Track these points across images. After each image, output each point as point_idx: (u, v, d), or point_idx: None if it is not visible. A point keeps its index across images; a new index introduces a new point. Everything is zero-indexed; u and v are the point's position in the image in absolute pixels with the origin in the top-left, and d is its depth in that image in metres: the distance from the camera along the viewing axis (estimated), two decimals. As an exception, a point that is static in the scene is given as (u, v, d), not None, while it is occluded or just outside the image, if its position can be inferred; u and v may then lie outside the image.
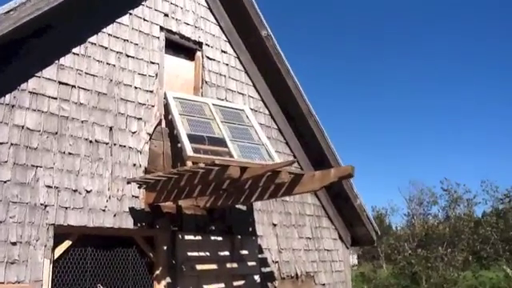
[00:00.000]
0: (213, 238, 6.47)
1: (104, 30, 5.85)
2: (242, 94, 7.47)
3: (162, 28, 6.55)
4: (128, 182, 5.56)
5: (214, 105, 6.64)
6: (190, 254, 6.10)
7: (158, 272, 5.86)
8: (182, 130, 5.84)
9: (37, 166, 4.91)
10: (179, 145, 5.84)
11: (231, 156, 5.80)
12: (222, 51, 7.33)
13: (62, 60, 5.37)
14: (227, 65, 7.36)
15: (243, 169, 4.69)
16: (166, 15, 6.65)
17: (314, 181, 5.01)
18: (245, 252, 6.81)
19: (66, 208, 5.05)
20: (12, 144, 4.78)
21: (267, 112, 7.78)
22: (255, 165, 4.98)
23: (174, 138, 6.20)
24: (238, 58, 7.52)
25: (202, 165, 4.73)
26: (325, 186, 5.05)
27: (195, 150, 5.60)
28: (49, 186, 4.95)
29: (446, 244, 20.00)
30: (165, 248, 5.93)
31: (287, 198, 7.75)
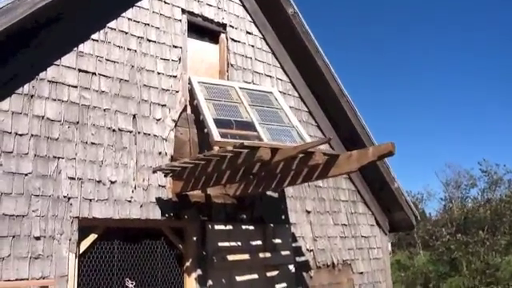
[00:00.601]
0: (244, 227, 6.20)
1: (123, 14, 5.61)
2: (270, 77, 7.14)
3: (183, 10, 6.26)
4: (154, 171, 5.33)
5: (240, 88, 6.33)
6: (220, 244, 5.85)
7: (187, 264, 5.64)
8: (208, 115, 5.57)
9: (58, 158, 4.72)
10: (206, 130, 5.57)
11: (261, 139, 5.49)
12: (247, 32, 7.00)
13: (81, 47, 5.16)
14: (253, 46, 7.03)
15: (274, 150, 4.37)
16: (188, -3, 6.36)
17: (351, 161, 4.64)
18: (278, 241, 6.52)
19: (90, 200, 4.85)
20: (32, 135, 4.60)
21: (296, 94, 7.43)
22: (287, 146, 4.65)
23: (200, 124, 5.93)
24: (264, 38, 7.18)
25: (229, 148, 4.43)
26: (363, 167, 4.67)
27: (222, 135, 5.31)
28: (72, 178, 4.76)
29: (486, 228, 19.23)
30: (194, 239, 5.70)
31: (320, 184, 7.42)
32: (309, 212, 7.16)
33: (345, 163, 4.86)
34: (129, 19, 5.63)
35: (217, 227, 5.91)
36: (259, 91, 6.56)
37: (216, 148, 5.18)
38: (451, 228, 20.70)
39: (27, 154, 4.52)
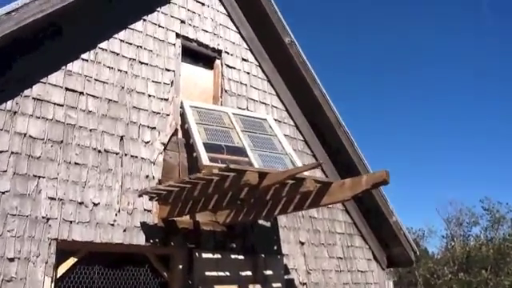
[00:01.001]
0: (233, 256, 5.96)
1: (115, 35, 5.56)
2: (265, 104, 7.04)
3: (178, 35, 6.23)
4: (139, 195, 5.16)
5: (234, 114, 6.23)
6: (208, 273, 5.60)
7: (172, 293, 5.39)
8: (199, 139, 5.43)
9: (39, 177, 4.57)
10: (195, 154, 5.42)
11: (251, 165, 5.33)
12: (243, 59, 6.95)
13: (70, 66, 5.09)
14: (248, 73, 6.96)
15: (262, 175, 4.21)
16: (183, 22, 6.34)
17: (344, 189, 4.47)
18: (269, 272, 6.26)
19: (71, 222, 4.67)
20: (13, 152, 4.46)
21: (292, 123, 7.31)
22: (275, 171, 4.49)
23: (190, 148, 5.79)
24: (260, 66, 7.13)
25: (215, 171, 4.27)
26: (358, 196, 4.49)
27: (212, 159, 5.16)
28: (52, 198, 4.59)
29: (490, 267, 18.70)
30: (180, 267, 5.46)
31: (315, 215, 7.20)
32: (303, 243, 6.92)
33: (338, 191, 4.68)
34: (121, 40, 5.58)
35: (205, 255, 5.67)
36: (253, 117, 6.44)
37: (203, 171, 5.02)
38: (453, 267, 20.17)
39: (6, 171, 4.37)
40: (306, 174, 4.79)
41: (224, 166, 4.25)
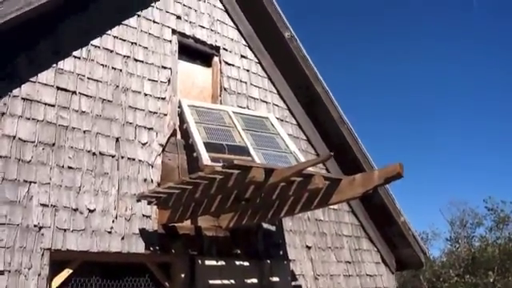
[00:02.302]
0: (238, 263, 5.64)
1: (109, 32, 5.26)
2: (266, 102, 6.75)
3: (174, 31, 5.94)
4: (138, 200, 4.85)
5: (234, 112, 5.93)
6: (211, 282, 5.29)
7: (175, 304, 5.06)
8: (198, 138, 5.13)
9: (30, 182, 4.24)
10: (195, 154, 5.12)
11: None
12: (242, 56, 6.66)
13: (61, 64, 4.78)
14: (248, 71, 6.68)
15: (269, 171, 3.90)
16: (179, 18, 6.06)
17: (355, 186, 4.18)
18: (275, 279, 5.95)
19: (65, 230, 4.34)
20: (1, 156, 4.14)
21: (294, 121, 7.02)
22: (282, 167, 4.19)
23: (190, 150, 5.48)
24: (260, 63, 6.84)
25: (218, 168, 3.97)
26: (368, 192, 4.20)
27: (213, 159, 4.86)
28: (44, 205, 4.27)
29: (496, 268, 18.40)
30: (182, 276, 5.14)
31: (321, 217, 6.91)
32: (309, 248, 6.61)
33: (348, 188, 4.40)
34: (114, 37, 5.28)
35: (207, 263, 5.35)
36: (254, 116, 6.15)
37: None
38: (459, 269, 19.85)
39: (-6, 177, 4.05)
40: (312, 170, 4.50)
41: (228, 163, 3.94)
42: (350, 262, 7.14)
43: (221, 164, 4.70)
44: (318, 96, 7.01)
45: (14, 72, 4.40)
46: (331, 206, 6.98)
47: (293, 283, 6.19)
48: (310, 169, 4.34)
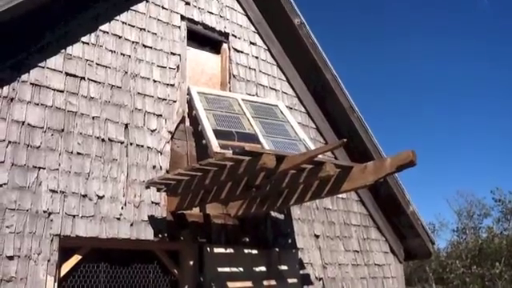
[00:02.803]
0: (246, 251, 5.62)
1: (117, 17, 5.21)
2: (275, 90, 6.69)
3: (183, 17, 5.87)
4: (146, 186, 4.82)
5: (243, 100, 5.88)
6: (220, 269, 5.27)
7: (183, 291, 5.05)
8: (208, 126, 5.09)
9: (39, 168, 4.23)
10: (204, 142, 5.08)
11: (265, 152, 4.98)
12: (251, 43, 6.59)
13: (70, 49, 4.74)
14: (257, 58, 6.61)
15: (280, 158, 3.85)
16: (188, 3, 5.99)
17: (367, 174, 4.12)
18: (284, 267, 5.92)
19: (74, 216, 4.32)
20: (10, 142, 4.12)
21: (303, 109, 6.95)
22: (293, 154, 4.14)
23: (199, 137, 5.45)
24: (269, 50, 6.77)
25: (229, 154, 3.92)
26: (379, 180, 4.15)
27: (223, 146, 4.81)
28: (53, 191, 4.25)
29: (503, 260, 18.32)
30: (191, 263, 5.13)
31: (330, 206, 6.86)
32: (317, 236, 6.57)
33: (359, 176, 4.33)
34: (123, 23, 5.23)
35: (216, 250, 5.34)
36: (263, 103, 6.10)
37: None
38: (466, 260, 19.79)
39: (3, 162, 4.03)
40: (322, 158, 4.44)
41: (239, 149, 3.89)
42: (358, 252, 7.10)
43: (231, 151, 4.66)
44: (328, 84, 6.93)
45: (24, 58, 4.36)
46: (340, 195, 6.94)
47: (301, 272, 6.16)
48: (321, 156, 4.29)
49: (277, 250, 5.93)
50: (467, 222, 24.23)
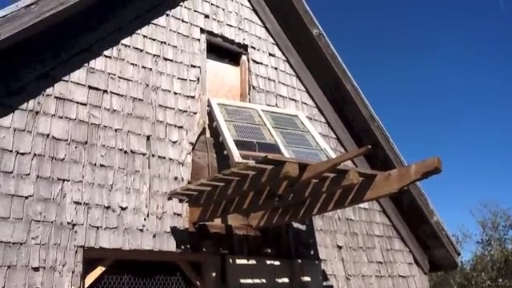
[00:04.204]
0: (269, 262, 5.58)
1: (138, 31, 5.29)
2: (295, 101, 6.69)
3: (202, 30, 5.94)
4: (169, 197, 4.84)
5: (263, 111, 5.89)
6: (242, 281, 5.24)
7: (206, 303, 5.02)
8: (229, 136, 5.10)
9: (63, 180, 4.28)
10: (225, 152, 5.09)
11: (286, 162, 4.96)
12: (270, 54, 6.62)
13: (92, 63, 4.82)
14: (276, 69, 6.63)
15: (303, 166, 3.84)
16: (207, 16, 6.05)
17: (391, 182, 4.07)
18: (307, 279, 5.86)
19: (98, 228, 4.35)
20: (35, 155, 4.18)
21: (323, 120, 6.93)
22: (316, 162, 4.11)
23: (219, 148, 5.46)
24: (288, 61, 6.79)
25: (252, 163, 3.92)
26: (403, 188, 4.09)
27: (244, 157, 4.81)
28: (77, 203, 4.29)
29: (532, 272, 17.85)
30: (214, 275, 5.11)
31: (352, 217, 6.79)
32: (340, 247, 6.50)
33: (383, 184, 4.29)
34: (144, 36, 5.31)
35: (239, 262, 5.31)
36: (284, 114, 6.10)
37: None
38: (491, 272, 19.32)
39: (29, 174, 4.09)
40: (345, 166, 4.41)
41: (261, 157, 3.88)
42: (381, 263, 7.00)
43: (253, 161, 4.65)
44: (348, 94, 6.91)
45: (49, 71, 4.45)
46: (362, 206, 6.87)
47: (324, 283, 6.09)
48: (343, 165, 4.26)
49: (299, 261, 5.88)
50: (492, 234, 23.71)
